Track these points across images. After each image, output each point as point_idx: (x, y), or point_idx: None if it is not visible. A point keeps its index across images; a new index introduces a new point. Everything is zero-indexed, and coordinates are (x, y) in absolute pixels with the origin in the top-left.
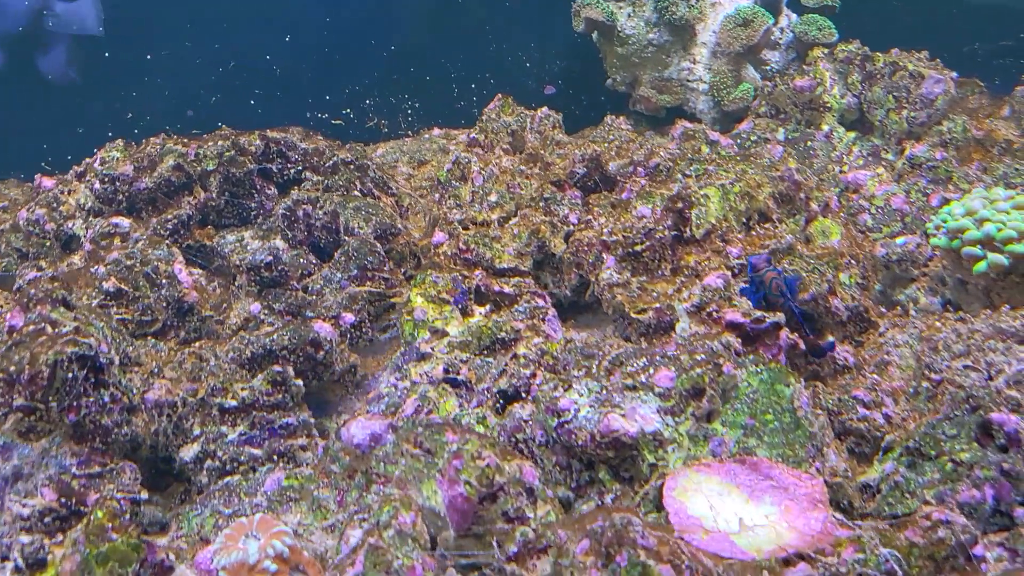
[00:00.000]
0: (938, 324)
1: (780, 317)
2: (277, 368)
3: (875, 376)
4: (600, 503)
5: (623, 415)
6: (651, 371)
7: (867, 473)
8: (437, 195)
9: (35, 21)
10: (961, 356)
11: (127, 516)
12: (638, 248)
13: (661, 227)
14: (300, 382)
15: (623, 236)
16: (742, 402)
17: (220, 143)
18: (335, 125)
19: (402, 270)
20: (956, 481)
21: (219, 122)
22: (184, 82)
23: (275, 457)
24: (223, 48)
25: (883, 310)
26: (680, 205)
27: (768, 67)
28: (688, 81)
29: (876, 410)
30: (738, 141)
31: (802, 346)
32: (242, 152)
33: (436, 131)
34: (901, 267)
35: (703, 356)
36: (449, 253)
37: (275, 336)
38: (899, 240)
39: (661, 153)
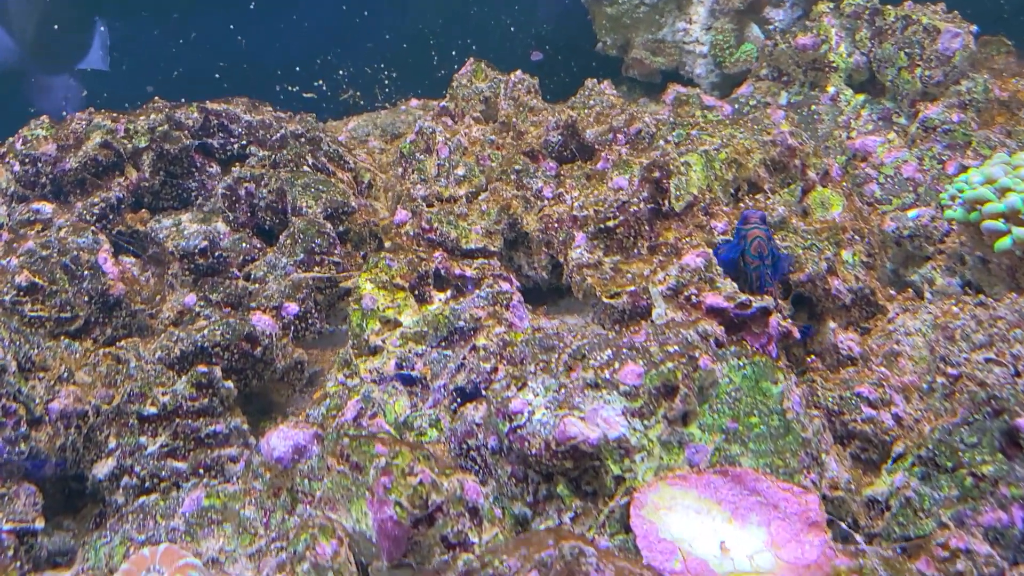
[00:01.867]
0: (955, 309)
1: (769, 302)
2: (202, 368)
3: (883, 369)
4: (559, 522)
5: (582, 418)
6: (616, 366)
7: (874, 485)
8: (400, 169)
9: None
10: (982, 347)
11: (11, 552)
12: (611, 224)
13: (636, 200)
14: (230, 384)
15: (595, 211)
16: (722, 402)
17: (153, 117)
18: (307, 99)
19: (361, 253)
20: (978, 500)
21: (182, 98)
22: (142, 55)
23: (201, 471)
24: (183, 18)
25: (892, 292)
26: (657, 174)
27: (772, 26)
28: (684, 43)
29: (884, 410)
30: (736, 106)
31: (796, 335)
32: (178, 126)
33: (414, 102)
34: (914, 243)
35: (676, 348)
36: (411, 233)
37: (206, 332)
38: (911, 213)
39: (646, 118)
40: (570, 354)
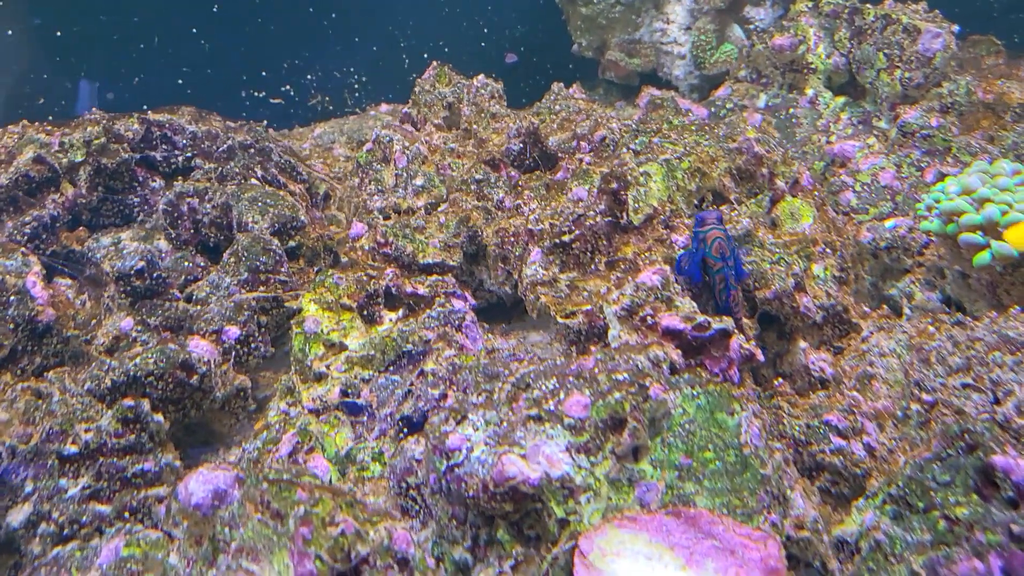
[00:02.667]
0: (931, 329)
1: (729, 323)
2: (128, 402)
3: (855, 394)
4: (500, 571)
5: (523, 455)
6: (561, 396)
7: (844, 524)
8: (357, 180)
9: None
10: (959, 372)
11: None
12: (566, 238)
13: (593, 213)
14: (160, 417)
15: (550, 224)
16: (675, 435)
17: (89, 129)
18: (274, 104)
19: (315, 269)
20: (952, 546)
21: (144, 104)
22: (101, 61)
23: (127, 514)
24: (144, 22)
25: (867, 309)
26: (615, 185)
27: (753, 25)
28: (662, 44)
29: (855, 440)
30: (713, 109)
31: (759, 357)
32: (117, 139)
33: (384, 107)
34: (891, 256)
35: (625, 376)
36: (367, 247)
37: (139, 360)
38: (888, 223)
39: (612, 124)
40: (513, 383)
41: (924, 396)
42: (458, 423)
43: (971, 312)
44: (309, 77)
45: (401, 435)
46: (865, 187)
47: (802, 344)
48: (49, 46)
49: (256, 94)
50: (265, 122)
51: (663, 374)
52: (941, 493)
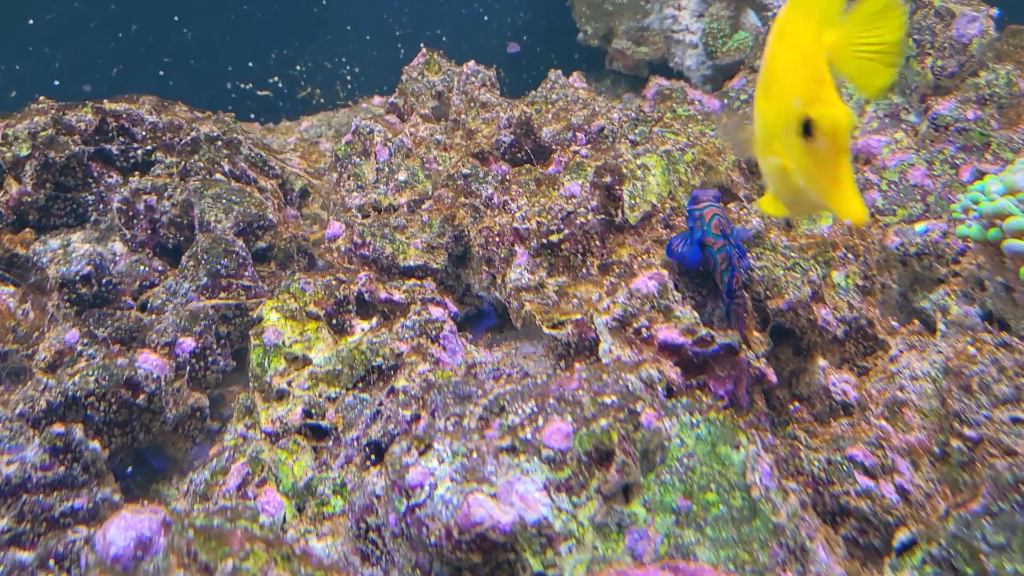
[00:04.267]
0: (971, 350)
1: (734, 338)
2: (57, 429)
3: (883, 423)
4: None
5: (493, 495)
6: (539, 422)
7: None
8: (335, 175)
9: None
10: (1007, 403)
11: None
12: (555, 238)
13: (584, 210)
14: (96, 445)
15: (538, 222)
16: (672, 472)
17: (36, 119)
18: (262, 97)
19: (288, 272)
20: None
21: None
22: (77, 51)
23: (51, 562)
24: (121, 8)
25: (895, 324)
26: (608, 179)
27: (771, 12)
28: (672, 31)
29: (885, 479)
30: (725, 100)
31: (772, 378)
32: (68, 130)
33: (376, 99)
34: (923, 263)
35: (614, 399)
36: (343, 249)
37: (77, 378)
38: (918, 227)
39: (614, 114)
40: (485, 406)
41: (966, 431)
42: (421, 453)
43: (1016, 331)
44: (298, 68)
45: (368, 463)
46: (892, 186)
47: (821, 362)
48: (20, 35)
49: (243, 86)
50: (235, 114)
51: (658, 397)
52: (994, 559)
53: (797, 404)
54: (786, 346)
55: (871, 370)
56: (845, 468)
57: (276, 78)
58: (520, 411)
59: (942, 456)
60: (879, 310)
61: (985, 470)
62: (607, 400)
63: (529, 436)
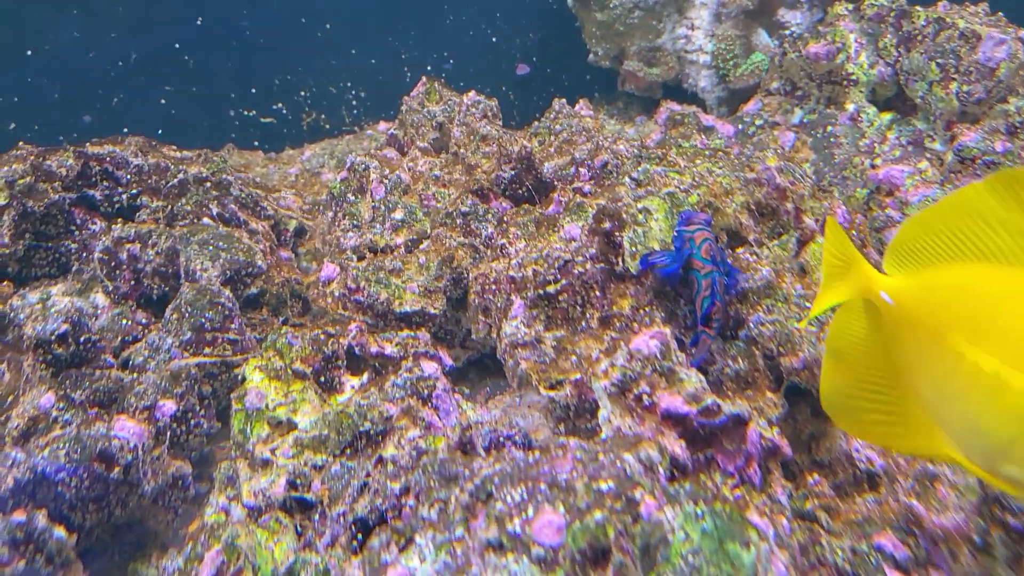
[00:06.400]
0: None
1: (743, 409)
2: (17, 518)
3: (914, 503)
4: None
5: None
6: (529, 513)
7: None
8: (330, 213)
9: None
10: None
11: None
12: (551, 288)
13: (582, 258)
14: (62, 533)
15: (534, 270)
16: (677, 571)
17: (14, 167)
18: (265, 124)
19: (281, 319)
20: None
21: (124, 127)
22: (77, 81)
23: None
24: (121, 37)
25: None
26: (608, 225)
27: (789, 31)
28: (686, 52)
29: (919, 574)
30: (740, 126)
31: (786, 451)
32: (47, 177)
33: (382, 126)
34: None
35: (611, 485)
36: (337, 294)
37: (47, 453)
38: None
39: (620, 147)
40: (472, 492)
41: (1009, 519)
42: (401, 550)
43: None
44: (302, 94)
45: (355, 542)
46: None
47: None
48: (19, 66)
49: (245, 113)
50: (238, 142)
51: (659, 482)
52: None
53: (817, 477)
54: (804, 405)
55: None
56: (873, 560)
57: (280, 104)
58: (509, 498)
59: (984, 548)
60: None
61: None
62: (603, 487)
63: (518, 530)
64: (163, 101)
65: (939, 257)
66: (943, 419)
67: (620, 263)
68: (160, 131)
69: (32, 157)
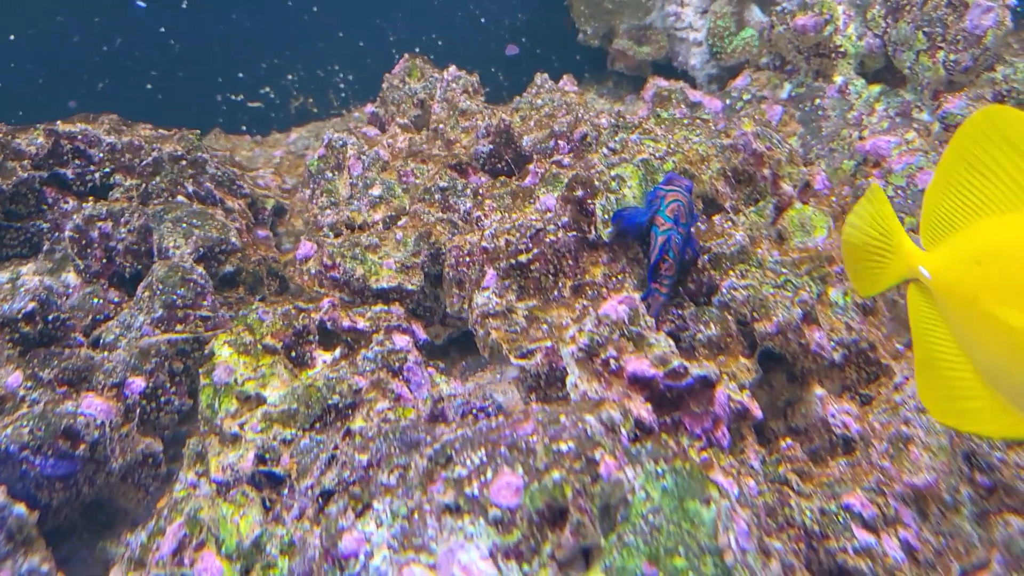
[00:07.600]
0: None
1: (711, 371)
2: None
3: (887, 464)
4: None
5: (432, 566)
6: (488, 475)
7: None
8: (308, 191)
9: None
10: None
11: None
12: (523, 258)
13: (554, 227)
14: (22, 510)
15: (506, 240)
16: (637, 532)
17: None
18: (253, 108)
19: (258, 297)
20: None
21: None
22: (60, 66)
23: None
24: (106, 22)
25: (900, 347)
26: (580, 193)
27: (780, 7)
28: (676, 30)
29: (887, 533)
30: (728, 101)
31: (756, 413)
32: (16, 155)
33: (369, 108)
34: None
35: (571, 446)
36: (313, 271)
37: (10, 430)
38: None
39: (601, 119)
40: (431, 456)
41: (978, 476)
42: (358, 516)
43: None
44: (290, 77)
45: (321, 516)
46: (899, 191)
47: (818, 391)
48: (2, 51)
49: (233, 97)
50: (225, 127)
51: (620, 443)
52: None
53: (789, 441)
54: (779, 372)
55: (874, 399)
56: (841, 520)
57: (267, 88)
58: (468, 461)
59: (953, 505)
60: (882, 332)
61: (998, 530)
62: (562, 447)
63: (476, 492)
64: (149, 86)
65: (963, 218)
66: (1002, 388)
67: (592, 231)
68: (146, 117)
69: (1, 135)
